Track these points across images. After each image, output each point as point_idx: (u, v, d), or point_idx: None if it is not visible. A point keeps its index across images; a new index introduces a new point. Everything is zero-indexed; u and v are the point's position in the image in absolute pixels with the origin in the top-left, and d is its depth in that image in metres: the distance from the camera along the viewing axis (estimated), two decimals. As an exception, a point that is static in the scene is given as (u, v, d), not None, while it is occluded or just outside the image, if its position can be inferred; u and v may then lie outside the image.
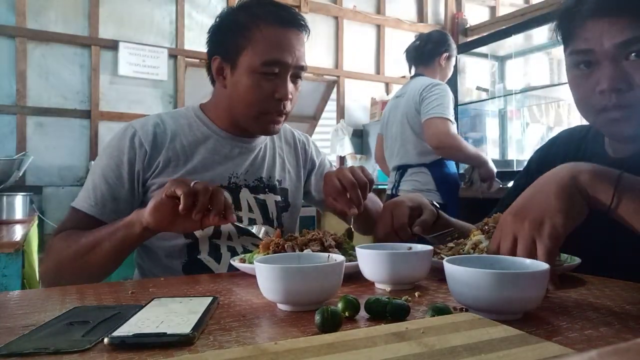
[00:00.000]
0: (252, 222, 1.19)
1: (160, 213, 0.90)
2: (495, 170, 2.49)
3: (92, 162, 3.21)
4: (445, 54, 2.50)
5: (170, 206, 0.88)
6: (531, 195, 0.75)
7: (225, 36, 1.13)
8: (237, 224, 1.06)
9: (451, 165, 2.49)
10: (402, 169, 2.45)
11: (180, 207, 0.85)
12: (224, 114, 1.19)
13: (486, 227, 0.93)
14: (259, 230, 1.05)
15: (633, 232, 0.86)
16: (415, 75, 2.53)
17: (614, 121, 0.87)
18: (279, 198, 1.25)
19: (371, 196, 1.28)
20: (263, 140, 1.27)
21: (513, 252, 0.72)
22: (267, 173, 1.25)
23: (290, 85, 1.12)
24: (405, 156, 2.42)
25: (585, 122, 1.01)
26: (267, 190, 1.23)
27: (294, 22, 1.12)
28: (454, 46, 2.56)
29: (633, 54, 0.83)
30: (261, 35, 1.08)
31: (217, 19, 1.17)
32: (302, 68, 1.15)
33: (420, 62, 2.53)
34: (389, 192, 2.55)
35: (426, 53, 2.50)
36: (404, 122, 2.41)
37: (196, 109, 1.24)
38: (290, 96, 1.13)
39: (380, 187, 3.03)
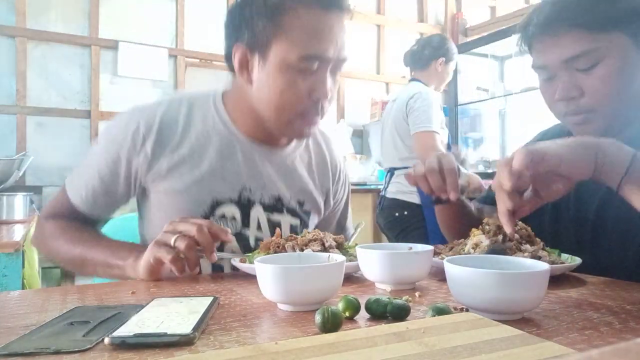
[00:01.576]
0: (258, 242, 1.02)
1: (151, 273, 0.88)
2: (479, 181, 2.46)
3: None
4: (441, 59, 2.51)
5: (159, 267, 0.88)
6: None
7: (252, 20, 0.93)
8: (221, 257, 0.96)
9: None
10: (390, 171, 2.53)
11: (176, 272, 0.86)
12: (248, 113, 1.02)
13: (487, 227, 0.93)
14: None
15: (633, 231, 0.87)
16: (411, 80, 2.57)
17: (576, 124, 0.95)
18: (296, 222, 1.10)
19: None
20: (292, 151, 1.10)
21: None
22: (289, 191, 1.08)
23: (329, 82, 0.95)
24: (393, 160, 2.50)
25: None
26: (284, 210, 1.08)
27: (335, 2, 0.92)
28: (453, 51, 2.57)
29: (581, 68, 0.91)
30: (299, 23, 0.90)
31: (241, 2, 0.97)
32: (345, 60, 0.97)
33: (416, 67, 2.56)
34: (381, 193, 2.62)
35: (423, 58, 2.53)
36: (393, 127, 2.49)
37: (217, 100, 1.06)
38: (330, 94, 0.96)
39: (380, 186, 3.04)
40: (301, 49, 0.90)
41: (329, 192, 1.18)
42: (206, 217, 1.01)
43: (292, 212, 1.09)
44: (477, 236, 0.93)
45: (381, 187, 2.85)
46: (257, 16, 0.92)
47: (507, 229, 0.79)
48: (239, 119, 1.04)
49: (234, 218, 1.03)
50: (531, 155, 0.70)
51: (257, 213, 1.05)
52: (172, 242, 0.85)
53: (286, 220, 1.08)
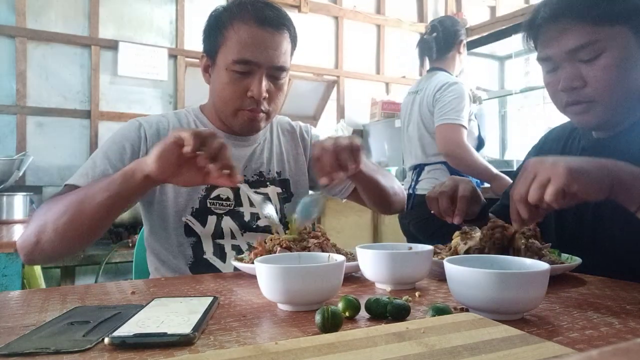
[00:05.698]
0: (254, 217, 1.19)
1: (164, 159, 0.84)
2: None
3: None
4: (462, 42, 2.35)
5: (175, 153, 0.84)
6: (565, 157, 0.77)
7: (208, 34, 1.16)
8: (242, 187, 1.01)
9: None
10: (418, 168, 2.33)
11: (186, 148, 0.81)
12: (214, 111, 1.21)
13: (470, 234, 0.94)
14: (263, 208, 0.99)
15: (634, 232, 0.87)
16: (433, 69, 2.35)
17: (577, 114, 0.99)
18: (280, 190, 1.25)
19: (384, 172, 1.28)
20: (261, 136, 1.27)
21: (527, 190, 0.75)
22: (266, 166, 1.25)
23: (266, 84, 1.11)
24: (420, 156, 2.31)
25: None
26: (268, 183, 1.24)
27: (270, 22, 1.10)
28: (464, 30, 2.41)
29: (584, 58, 0.93)
30: (234, 34, 1.09)
31: (207, 18, 1.19)
32: (281, 69, 1.13)
33: (439, 54, 2.34)
34: (408, 191, 2.32)
35: (445, 43, 2.33)
36: (419, 122, 2.29)
37: (195, 109, 1.26)
38: (265, 95, 1.11)
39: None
40: (235, 54, 1.09)
41: (302, 154, 1.34)
42: (204, 199, 1.15)
43: (274, 182, 1.25)
44: (454, 240, 0.94)
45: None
46: (211, 31, 1.15)
47: (517, 227, 0.82)
48: (213, 118, 1.23)
49: (227, 198, 1.18)
50: (570, 178, 0.70)
51: (245, 191, 1.16)
52: (195, 130, 0.84)
53: (272, 191, 1.24)
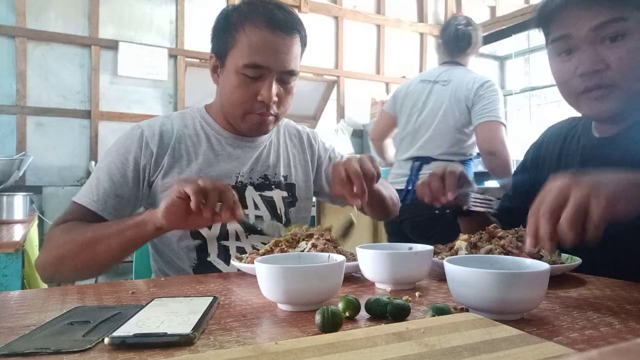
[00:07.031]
0: (258, 219, 1.19)
1: (172, 214, 0.90)
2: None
3: (93, 163, 3.21)
4: (481, 43, 2.35)
5: (181, 207, 0.88)
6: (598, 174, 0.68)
7: (218, 35, 1.15)
8: (245, 221, 1.09)
9: (468, 170, 2.19)
10: (420, 160, 2.17)
11: (192, 204, 0.86)
12: (223, 113, 1.21)
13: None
14: (267, 226, 1.09)
15: (634, 232, 0.87)
16: (455, 63, 2.27)
17: (596, 100, 0.93)
18: (285, 194, 1.26)
19: (385, 183, 1.29)
20: (267, 138, 1.28)
21: (553, 212, 0.65)
22: (272, 170, 1.25)
23: (276, 88, 1.11)
24: (432, 148, 2.16)
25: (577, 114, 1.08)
26: (273, 186, 1.24)
27: (282, 26, 1.09)
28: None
29: (608, 37, 0.89)
30: (245, 37, 1.08)
31: (217, 17, 1.18)
32: (291, 73, 1.13)
33: (469, 50, 2.29)
34: (401, 186, 2.18)
35: (473, 41, 2.27)
36: (447, 114, 2.15)
37: (201, 110, 1.26)
38: (275, 99, 1.11)
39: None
40: (245, 58, 1.08)
41: (308, 160, 1.34)
42: None
43: (280, 186, 1.25)
44: (458, 241, 0.93)
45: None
46: (221, 31, 1.14)
47: (530, 245, 0.70)
48: (220, 119, 1.22)
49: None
50: (612, 201, 0.62)
51: (251, 194, 1.21)
52: (199, 181, 0.88)
53: (277, 195, 1.24)
